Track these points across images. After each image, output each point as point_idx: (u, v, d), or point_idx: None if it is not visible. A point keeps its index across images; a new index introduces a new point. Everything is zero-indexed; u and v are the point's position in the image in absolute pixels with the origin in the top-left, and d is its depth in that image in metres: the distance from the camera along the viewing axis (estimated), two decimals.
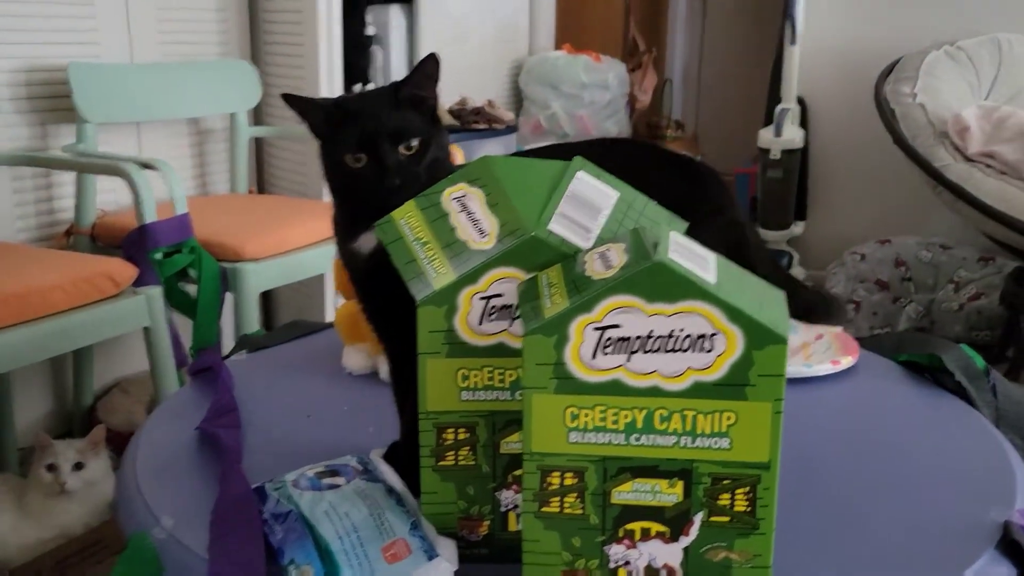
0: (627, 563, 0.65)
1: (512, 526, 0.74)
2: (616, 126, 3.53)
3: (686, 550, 0.65)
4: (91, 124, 1.96)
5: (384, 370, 1.14)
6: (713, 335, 0.60)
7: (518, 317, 0.68)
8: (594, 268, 0.63)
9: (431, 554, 0.71)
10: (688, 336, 0.61)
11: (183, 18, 2.27)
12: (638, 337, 0.61)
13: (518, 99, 3.58)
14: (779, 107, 3.04)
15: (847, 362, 1.15)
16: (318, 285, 2.40)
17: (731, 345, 0.60)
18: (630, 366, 0.62)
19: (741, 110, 4.43)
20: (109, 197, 2.08)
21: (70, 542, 1.64)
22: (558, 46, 3.69)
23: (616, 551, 0.65)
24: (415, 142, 0.80)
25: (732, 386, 0.61)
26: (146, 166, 1.71)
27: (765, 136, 3.06)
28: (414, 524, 0.73)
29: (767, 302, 0.63)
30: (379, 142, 0.79)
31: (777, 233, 3.14)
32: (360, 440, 0.94)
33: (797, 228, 3.24)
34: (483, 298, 0.69)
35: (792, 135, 3.03)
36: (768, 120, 3.14)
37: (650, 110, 4.36)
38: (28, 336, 1.42)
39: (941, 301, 2.69)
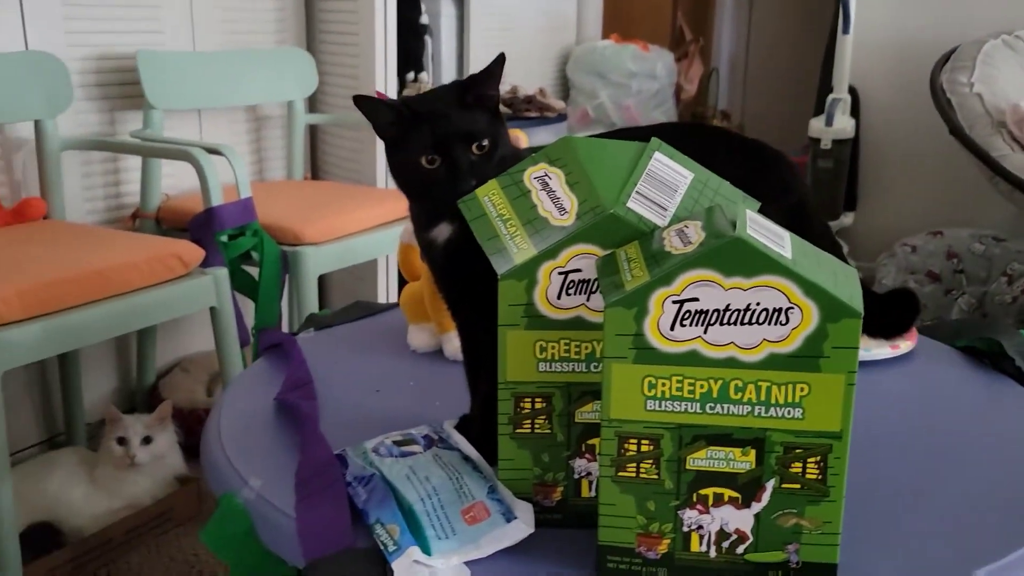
0: (700, 527, 0.68)
1: (585, 493, 0.77)
2: (664, 116, 3.53)
3: (757, 516, 0.67)
4: (157, 110, 2.03)
5: (448, 348, 1.18)
6: (789, 309, 0.63)
7: (598, 291, 0.71)
8: (673, 244, 0.66)
9: (509, 516, 0.74)
10: (764, 309, 0.63)
11: (243, 7, 2.33)
12: (715, 310, 0.64)
13: (565, 88, 3.60)
14: (830, 96, 3.02)
15: (906, 347, 1.16)
16: (370, 269, 2.45)
17: (806, 318, 0.63)
18: (707, 338, 0.65)
19: (788, 99, 4.40)
20: (171, 182, 2.14)
21: (138, 513, 1.71)
22: (605, 35, 3.70)
23: (689, 515, 0.68)
24: (486, 142, 0.81)
25: (806, 358, 0.64)
26: (212, 151, 1.77)
27: (816, 126, 3.05)
28: (491, 488, 0.77)
29: (841, 277, 0.66)
30: (453, 144, 0.80)
31: None
32: (428, 413, 0.98)
33: (847, 219, 3.22)
34: (562, 273, 0.72)
35: (843, 124, 3.00)
36: (818, 109, 3.12)
37: (695, 100, 4.35)
38: (106, 312, 1.48)
39: (994, 293, 2.66)
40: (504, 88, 2.96)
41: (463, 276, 0.86)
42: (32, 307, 1.39)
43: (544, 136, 2.75)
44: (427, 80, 2.71)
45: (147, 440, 1.71)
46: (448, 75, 3.00)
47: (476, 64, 3.01)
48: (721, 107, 4.67)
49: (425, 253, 0.90)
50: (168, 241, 1.67)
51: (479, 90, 0.83)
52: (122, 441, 1.69)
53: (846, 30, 2.97)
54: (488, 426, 0.82)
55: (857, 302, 0.63)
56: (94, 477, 1.71)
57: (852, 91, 3.12)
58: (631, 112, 3.48)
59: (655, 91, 3.48)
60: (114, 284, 1.49)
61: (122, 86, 2.07)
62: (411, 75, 2.60)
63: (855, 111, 3.15)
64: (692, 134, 0.91)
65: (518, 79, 3.09)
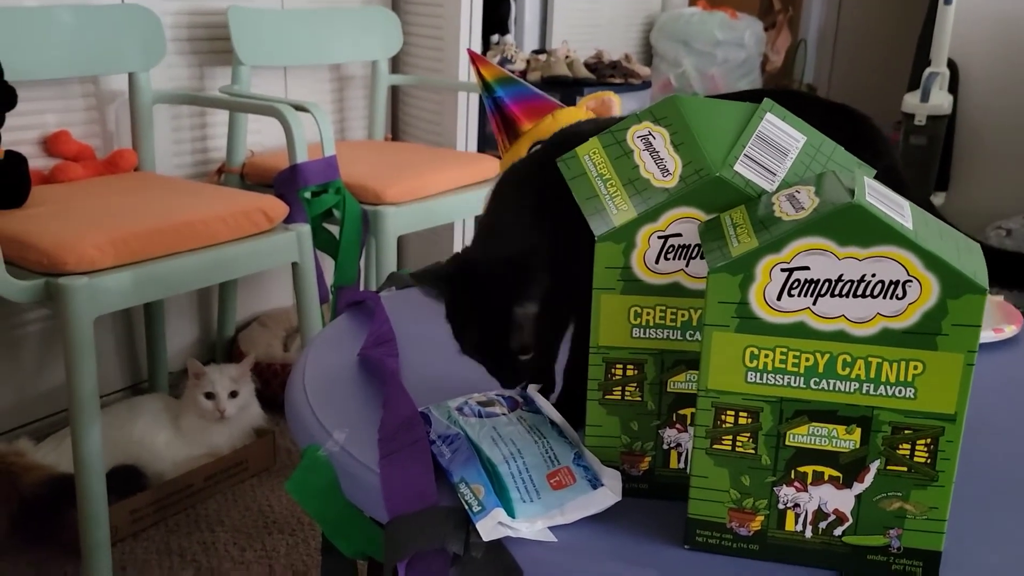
0: (796, 505, 0.66)
1: (673, 464, 0.75)
2: (749, 87, 3.44)
3: (859, 497, 0.64)
4: (245, 67, 2.04)
5: None
6: (907, 282, 0.59)
7: (698, 256, 0.68)
8: (783, 209, 0.63)
9: (596, 483, 0.73)
10: (880, 282, 0.60)
11: None
12: (827, 280, 0.61)
13: (648, 57, 3.52)
14: (928, 70, 2.90)
15: (1010, 331, 1.10)
16: (447, 232, 2.45)
17: (926, 293, 0.59)
18: (816, 309, 0.62)
19: (879, 73, 4.24)
20: (256, 138, 2.17)
21: (216, 461, 1.76)
22: (692, 3, 3.61)
23: (786, 493, 0.66)
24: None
25: (923, 335, 0.60)
26: (299, 108, 1.78)
27: (910, 101, 2.93)
28: (578, 454, 0.75)
29: (964, 251, 0.62)
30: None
31: None
32: None
33: (937, 199, 3.10)
34: (661, 237, 0.69)
35: (940, 100, 2.88)
36: (914, 84, 3.00)
37: (781, 72, 4.23)
38: (193, 263, 1.51)
39: None
40: (588, 53, 2.91)
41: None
42: (123, 255, 1.42)
43: (628, 104, 2.69)
44: (511, 42, 2.68)
45: (233, 394, 1.75)
46: (531, 37, 2.97)
47: (560, 27, 2.96)
48: (807, 80, 4.54)
49: None
50: (254, 196, 1.69)
51: None
52: (210, 396, 1.73)
53: (948, 1, 2.84)
54: (573, 391, 0.81)
55: (981, 277, 0.59)
56: (179, 425, 1.76)
57: (951, 65, 2.99)
58: (715, 82, 3.39)
59: (741, 60, 3.39)
60: (201, 236, 1.52)
61: (212, 41, 2.10)
62: (495, 37, 2.57)
63: (953, 86, 3.02)
64: (776, 98, 0.87)
65: (602, 44, 3.03)
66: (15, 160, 1.55)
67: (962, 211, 3.13)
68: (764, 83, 3.75)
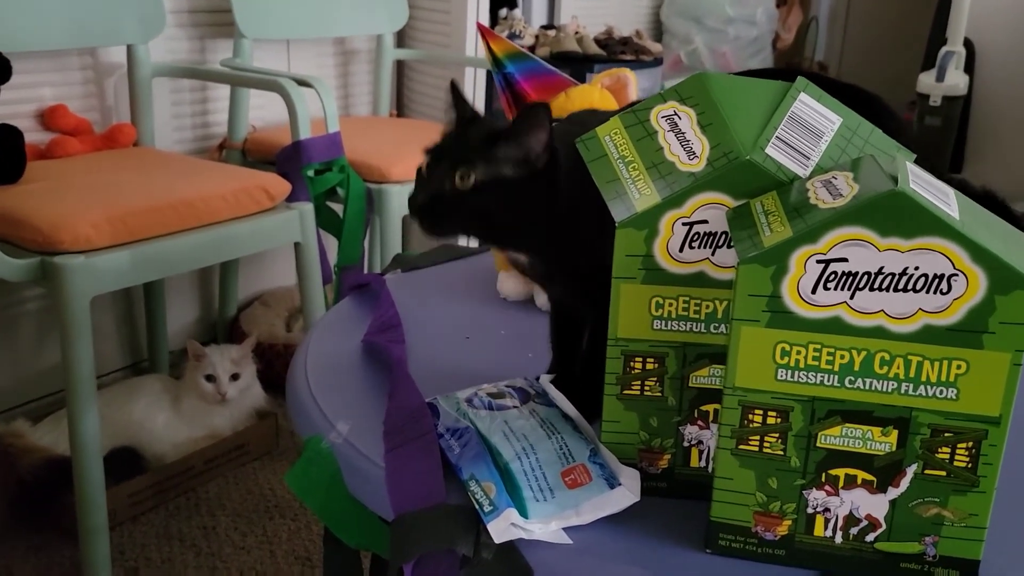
0: (827, 510, 0.62)
1: (694, 462, 0.71)
2: (760, 64, 3.38)
3: (893, 502, 0.61)
4: (247, 39, 1.99)
5: (540, 299, 1.13)
6: (952, 276, 0.55)
7: (725, 245, 0.64)
8: (819, 196, 0.59)
9: (613, 482, 0.69)
10: (924, 275, 0.56)
11: None
12: (866, 273, 0.57)
13: (658, 34, 3.46)
14: (943, 50, 2.84)
15: None
16: None
17: (972, 288, 0.55)
18: (853, 304, 0.58)
19: (891, 52, 4.17)
20: (258, 113, 2.12)
21: (216, 443, 1.73)
22: None
23: (816, 496, 0.62)
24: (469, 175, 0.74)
25: (968, 332, 0.56)
26: (302, 83, 1.73)
27: (925, 81, 2.87)
28: (593, 451, 0.72)
29: (1013, 244, 0.58)
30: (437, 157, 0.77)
31: None
32: (520, 364, 0.93)
33: None
34: (686, 224, 0.65)
35: (956, 80, 2.83)
36: (928, 64, 2.94)
37: (791, 50, 4.15)
38: (193, 243, 1.47)
39: None
40: (598, 29, 2.85)
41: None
42: (121, 234, 1.38)
43: (641, 82, 2.64)
44: (520, 16, 2.63)
45: (235, 377, 1.72)
46: (539, 11, 2.91)
47: (568, 2, 2.90)
48: (818, 58, 4.47)
49: None
50: (255, 173, 1.64)
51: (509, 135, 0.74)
52: (211, 378, 1.70)
53: None
54: (588, 382, 0.77)
55: None
56: (179, 407, 1.73)
57: (967, 45, 2.93)
58: (727, 59, 3.33)
59: (753, 38, 3.32)
60: (201, 214, 1.48)
61: (213, 13, 2.05)
62: (503, 11, 2.52)
63: (969, 66, 2.96)
64: (782, 76, 0.82)
65: (612, 19, 2.97)
66: (11, 134, 1.51)
67: None
68: (775, 60, 3.69)
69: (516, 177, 0.74)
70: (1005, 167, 3.06)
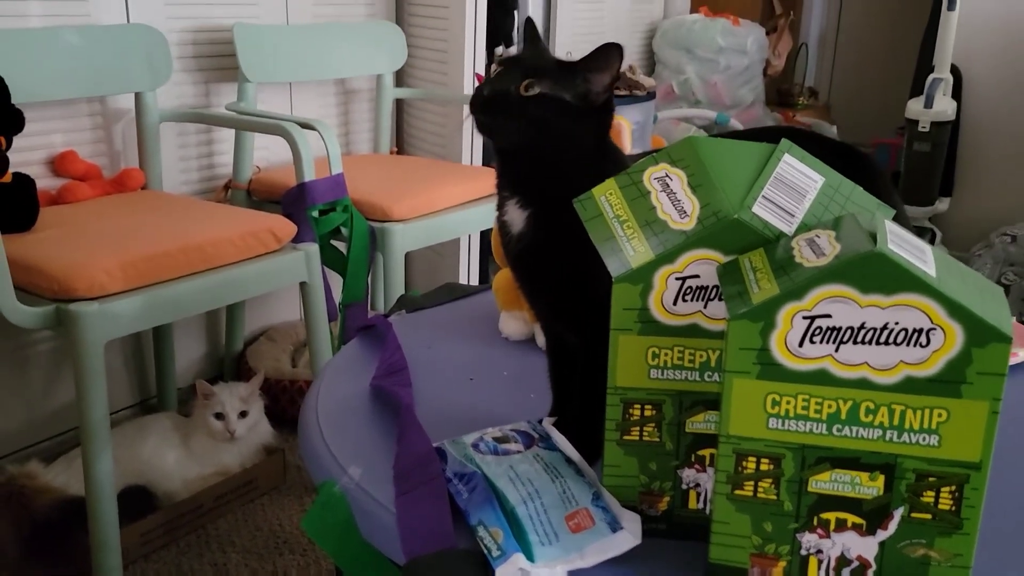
0: (819, 552, 0.65)
1: (692, 504, 0.75)
2: (751, 93, 3.43)
3: (882, 544, 0.64)
4: (251, 84, 2.04)
5: (541, 339, 1.16)
6: (931, 330, 0.59)
7: (716, 298, 0.68)
8: (804, 254, 0.62)
9: (615, 526, 0.72)
10: (904, 330, 0.60)
11: None
12: (849, 328, 0.60)
13: (651, 64, 3.52)
14: (931, 76, 2.89)
15: None
16: (453, 247, 2.45)
17: (950, 341, 0.59)
18: (838, 356, 0.61)
19: (881, 78, 4.23)
20: (263, 154, 2.17)
21: (226, 480, 1.75)
22: (694, 9, 3.60)
23: (809, 539, 0.65)
24: (535, 86, 0.80)
25: (947, 383, 0.60)
26: (306, 126, 1.78)
27: (914, 107, 2.92)
28: (596, 495, 0.75)
29: (988, 298, 0.61)
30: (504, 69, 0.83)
31: (920, 209, 3.00)
32: (524, 406, 0.96)
33: (942, 205, 3.09)
34: (679, 278, 0.69)
35: (944, 107, 2.87)
36: (916, 90, 2.99)
37: (782, 76, 4.21)
38: (203, 286, 1.50)
39: None
40: None
41: (541, 279, 0.84)
42: (133, 279, 1.42)
43: (632, 116, 2.69)
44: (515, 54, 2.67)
45: (243, 414, 1.75)
46: None
47: (563, 38, 2.96)
48: (809, 83, 4.53)
49: (501, 239, 0.87)
50: (262, 216, 1.68)
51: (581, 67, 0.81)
52: (220, 416, 1.73)
53: (951, 7, 2.83)
54: (587, 427, 0.81)
55: (1006, 325, 0.59)
56: (189, 445, 1.76)
57: (954, 71, 2.98)
58: (717, 89, 3.38)
59: (744, 67, 3.38)
60: (211, 258, 1.52)
61: (218, 58, 2.10)
62: (499, 49, 2.57)
63: (956, 92, 3.01)
64: (777, 134, 0.86)
65: None
66: (24, 183, 1.55)
67: (967, 218, 3.13)
68: (766, 88, 3.74)
69: (574, 104, 0.80)
70: (995, 191, 3.10)
